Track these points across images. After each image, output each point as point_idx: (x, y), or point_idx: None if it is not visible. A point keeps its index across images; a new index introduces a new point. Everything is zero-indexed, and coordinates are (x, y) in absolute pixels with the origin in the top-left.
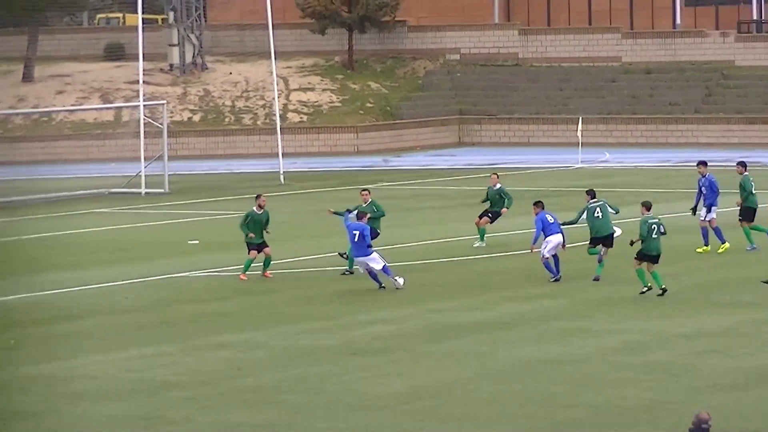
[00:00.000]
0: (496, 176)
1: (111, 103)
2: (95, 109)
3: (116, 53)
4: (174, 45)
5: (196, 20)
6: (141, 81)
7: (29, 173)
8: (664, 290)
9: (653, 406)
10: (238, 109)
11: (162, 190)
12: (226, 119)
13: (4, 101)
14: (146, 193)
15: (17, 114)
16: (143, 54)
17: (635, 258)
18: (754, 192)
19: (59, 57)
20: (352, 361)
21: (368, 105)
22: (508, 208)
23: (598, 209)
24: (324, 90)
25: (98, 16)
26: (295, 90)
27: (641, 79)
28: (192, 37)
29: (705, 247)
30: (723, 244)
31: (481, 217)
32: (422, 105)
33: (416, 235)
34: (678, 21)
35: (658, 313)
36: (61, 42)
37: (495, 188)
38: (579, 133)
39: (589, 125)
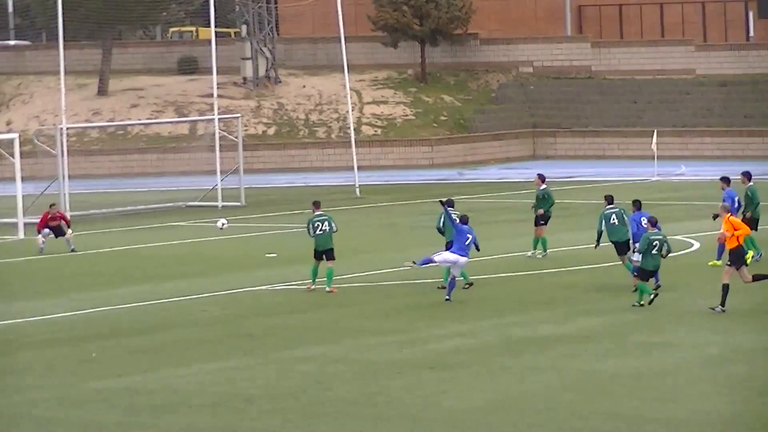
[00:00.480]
0: (540, 179)
1: (185, 116)
2: (170, 122)
3: (190, 67)
4: (247, 58)
5: (269, 33)
6: (215, 94)
7: (105, 186)
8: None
9: (735, 421)
10: (312, 122)
11: (238, 203)
12: (301, 132)
13: (81, 114)
14: (223, 206)
15: (93, 127)
16: (216, 67)
17: (634, 275)
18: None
19: (133, 70)
20: (430, 375)
21: (442, 118)
22: (545, 210)
23: (614, 215)
24: (397, 103)
25: (171, 29)
26: (369, 103)
27: (715, 92)
28: (265, 50)
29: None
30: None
31: (536, 225)
32: (495, 118)
33: (491, 248)
34: (751, 33)
35: (737, 326)
36: (134, 55)
37: (541, 189)
38: (654, 146)
39: (664, 138)
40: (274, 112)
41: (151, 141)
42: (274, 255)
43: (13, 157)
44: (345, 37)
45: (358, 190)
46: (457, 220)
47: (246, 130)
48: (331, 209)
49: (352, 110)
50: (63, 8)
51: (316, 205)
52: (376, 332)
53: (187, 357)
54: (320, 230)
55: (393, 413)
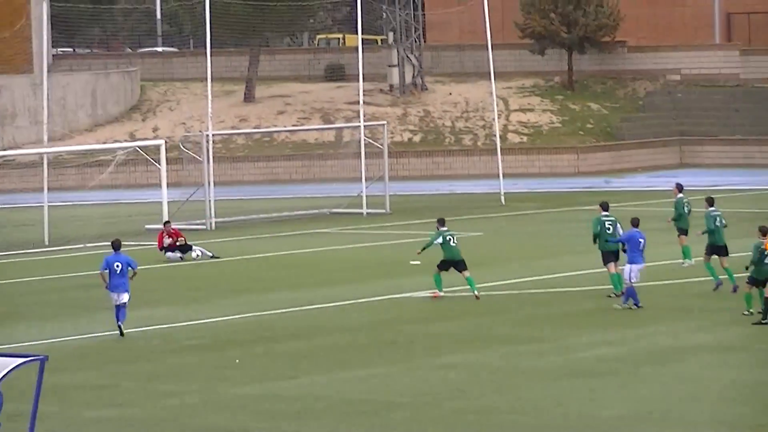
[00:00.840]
0: (677, 188)
1: (331, 123)
2: (316, 129)
3: (336, 74)
4: (393, 66)
5: (416, 41)
6: (361, 101)
7: (250, 193)
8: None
9: None
10: (458, 129)
11: (383, 211)
12: (446, 140)
13: (227, 121)
14: (367, 213)
15: (239, 134)
16: (363, 75)
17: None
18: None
19: (280, 77)
20: (574, 383)
21: (588, 126)
22: (675, 219)
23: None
24: (544, 111)
25: (318, 37)
26: (515, 110)
27: None
28: (411, 57)
29: None
30: None
31: (679, 235)
32: (642, 126)
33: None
34: None
35: None
36: (281, 63)
37: (678, 198)
38: None
39: None
40: (420, 119)
41: (297, 148)
42: (418, 263)
43: (159, 164)
44: (492, 45)
45: (503, 197)
46: (619, 228)
47: (392, 138)
48: (475, 217)
49: (499, 118)
50: (211, 15)
51: (441, 222)
52: (521, 340)
53: (331, 363)
54: (453, 243)
55: (537, 422)
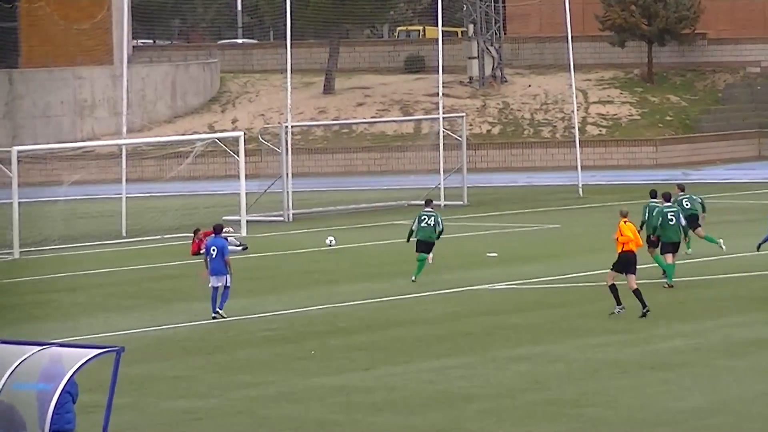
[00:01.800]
0: (678, 188)
1: (410, 115)
2: (395, 121)
3: (416, 66)
4: (473, 57)
5: (496, 33)
6: (440, 93)
7: (328, 185)
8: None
9: None
10: (537, 121)
11: (461, 203)
12: (525, 132)
13: (306, 113)
14: (445, 205)
15: (318, 125)
16: (443, 66)
17: None
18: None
19: (359, 69)
20: (651, 375)
21: (667, 118)
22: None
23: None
24: (623, 103)
25: (398, 29)
26: (594, 103)
27: None
28: (491, 49)
29: None
30: None
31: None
32: (721, 118)
33: (716, 249)
34: None
35: None
36: (361, 54)
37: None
38: None
39: None
40: (499, 111)
41: (376, 139)
42: (495, 254)
43: (238, 155)
44: (572, 37)
45: (581, 189)
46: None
47: (471, 129)
48: (553, 209)
49: (578, 110)
50: (291, 7)
51: (427, 203)
52: (597, 332)
53: (406, 355)
54: (425, 224)
55: (612, 414)
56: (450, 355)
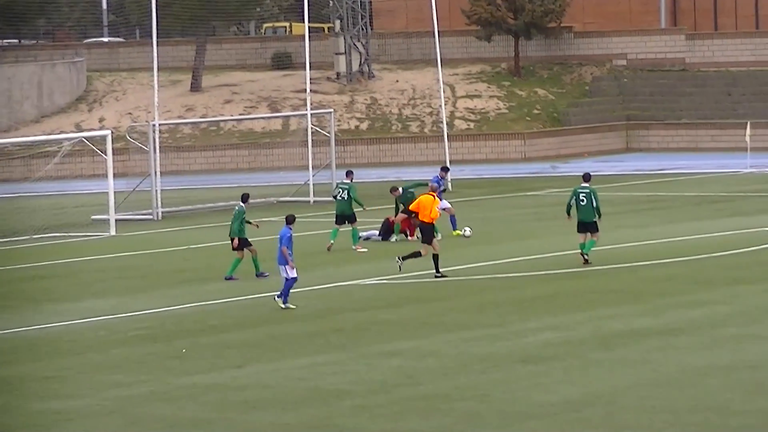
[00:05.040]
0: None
1: (278, 112)
2: (263, 118)
3: (283, 62)
4: (340, 53)
5: (362, 29)
6: (308, 90)
7: (197, 183)
8: None
9: None
10: (405, 117)
11: (330, 198)
12: (393, 127)
13: (173, 111)
14: (314, 201)
15: (186, 123)
16: (310, 63)
17: None
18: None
19: (227, 66)
20: (522, 369)
21: (535, 112)
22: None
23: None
24: (491, 97)
25: (265, 25)
26: (462, 97)
27: None
28: (358, 45)
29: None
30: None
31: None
32: (589, 111)
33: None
34: None
35: None
36: (228, 52)
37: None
38: (747, 138)
39: (758, 130)
40: (367, 107)
41: (244, 137)
42: (365, 250)
43: (106, 154)
44: (439, 32)
45: (450, 184)
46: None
47: (339, 125)
48: None
49: (446, 104)
50: (157, 5)
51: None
52: (469, 326)
53: (278, 352)
54: (339, 197)
55: (484, 407)
56: (322, 352)
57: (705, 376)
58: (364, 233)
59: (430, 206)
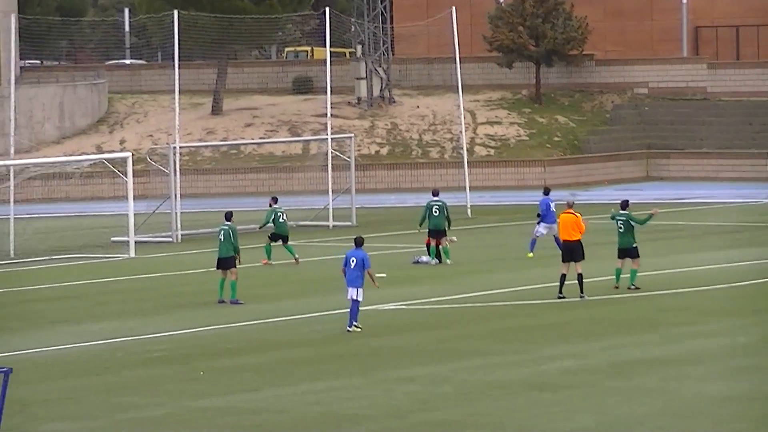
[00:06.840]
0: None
1: (299, 136)
2: (283, 141)
3: (304, 86)
4: (362, 78)
5: (384, 54)
6: (329, 114)
7: (217, 206)
8: None
9: None
10: (426, 142)
11: (350, 223)
12: (414, 152)
13: (194, 133)
14: (334, 226)
15: (206, 146)
16: (331, 87)
17: None
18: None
19: (248, 90)
20: (539, 396)
21: (555, 139)
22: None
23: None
24: (511, 124)
25: (286, 49)
26: (483, 123)
27: None
28: (379, 70)
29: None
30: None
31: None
32: (609, 139)
33: (602, 270)
34: None
35: None
36: (249, 75)
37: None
38: None
39: None
40: (387, 132)
41: (264, 160)
42: (384, 275)
43: (126, 176)
44: (460, 58)
45: (469, 210)
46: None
47: (359, 150)
48: None
49: (466, 131)
50: (179, 28)
51: (274, 200)
52: (485, 353)
53: (294, 376)
54: (282, 219)
55: None
56: (337, 377)
57: (722, 407)
58: (417, 258)
59: (571, 224)
